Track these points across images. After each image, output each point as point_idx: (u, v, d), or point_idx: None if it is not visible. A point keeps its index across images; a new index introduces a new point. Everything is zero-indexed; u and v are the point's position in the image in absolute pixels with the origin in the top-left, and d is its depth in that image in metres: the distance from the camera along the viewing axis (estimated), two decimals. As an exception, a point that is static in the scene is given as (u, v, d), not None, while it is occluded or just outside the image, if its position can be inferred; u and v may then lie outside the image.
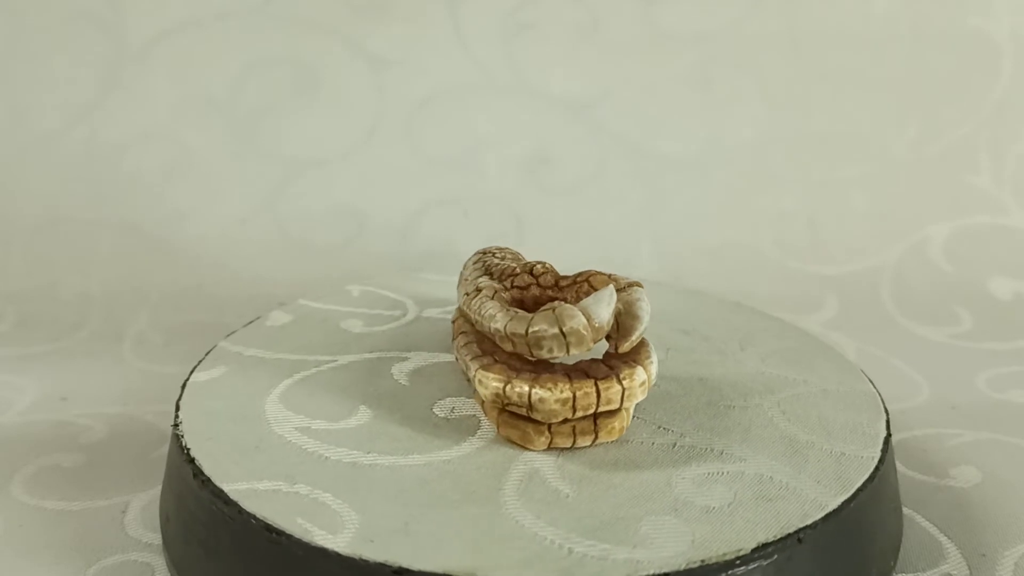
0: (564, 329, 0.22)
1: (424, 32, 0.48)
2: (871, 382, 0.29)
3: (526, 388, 0.23)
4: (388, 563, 0.19)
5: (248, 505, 0.21)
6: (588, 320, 0.23)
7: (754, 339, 0.31)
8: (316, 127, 0.48)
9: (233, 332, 0.30)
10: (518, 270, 0.27)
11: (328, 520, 0.20)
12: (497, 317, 0.24)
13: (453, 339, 0.27)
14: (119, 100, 0.47)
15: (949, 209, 0.48)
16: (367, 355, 0.28)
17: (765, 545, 0.20)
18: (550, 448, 0.23)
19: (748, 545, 0.20)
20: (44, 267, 0.45)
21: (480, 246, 0.46)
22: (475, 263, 0.29)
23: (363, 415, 0.25)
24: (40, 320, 0.42)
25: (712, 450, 0.24)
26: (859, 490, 0.22)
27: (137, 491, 0.28)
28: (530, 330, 0.23)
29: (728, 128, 0.49)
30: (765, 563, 0.20)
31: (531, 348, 0.23)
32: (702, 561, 0.19)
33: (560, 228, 0.48)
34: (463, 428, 0.24)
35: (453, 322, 0.27)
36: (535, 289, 0.27)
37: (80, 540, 0.26)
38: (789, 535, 0.21)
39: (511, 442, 0.24)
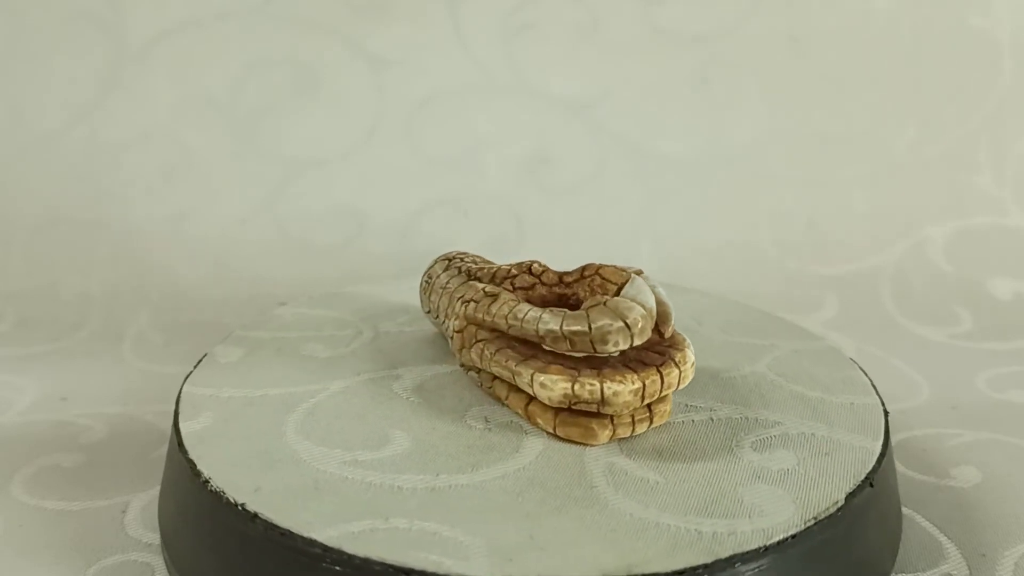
0: (628, 321, 0.23)
1: (424, 32, 0.48)
2: (823, 339, 0.31)
3: (597, 384, 0.23)
4: None
5: (356, 549, 0.20)
6: (644, 309, 0.23)
7: (706, 314, 0.33)
8: (316, 127, 0.48)
9: (190, 374, 0.28)
10: (514, 271, 0.27)
11: (451, 548, 0.20)
12: (545, 318, 0.24)
13: (462, 348, 0.26)
14: (119, 100, 0.47)
15: (949, 209, 0.48)
16: (356, 378, 0.27)
17: (852, 494, 0.22)
18: (611, 440, 0.24)
19: (840, 496, 0.22)
20: (44, 267, 0.45)
21: (480, 246, 0.47)
22: (446, 271, 0.29)
23: (401, 439, 0.24)
24: (40, 320, 0.42)
25: (746, 419, 0.25)
26: (886, 433, 0.25)
27: (137, 491, 0.28)
28: (594, 326, 0.23)
29: (728, 128, 0.49)
30: (855, 510, 0.22)
31: (595, 344, 0.23)
32: (815, 519, 0.21)
33: (560, 228, 0.48)
34: (510, 435, 0.24)
35: (457, 332, 0.26)
36: (541, 288, 0.27)
37: (80, 540, 0.26)
38: (863, 482, 0.23)
39: (570, 441, 0.24)
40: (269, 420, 0.25)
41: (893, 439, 0.31)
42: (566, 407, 0.23)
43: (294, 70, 0.48)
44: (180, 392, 0.27)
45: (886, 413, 0.26)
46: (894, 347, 0.40)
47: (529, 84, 0.49)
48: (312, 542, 0.20)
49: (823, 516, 0.21)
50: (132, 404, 0.34)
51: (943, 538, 0.26)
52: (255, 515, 0.21)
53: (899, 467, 0.30)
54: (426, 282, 0.30)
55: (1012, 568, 0.25)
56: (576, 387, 0.23)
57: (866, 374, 0.29)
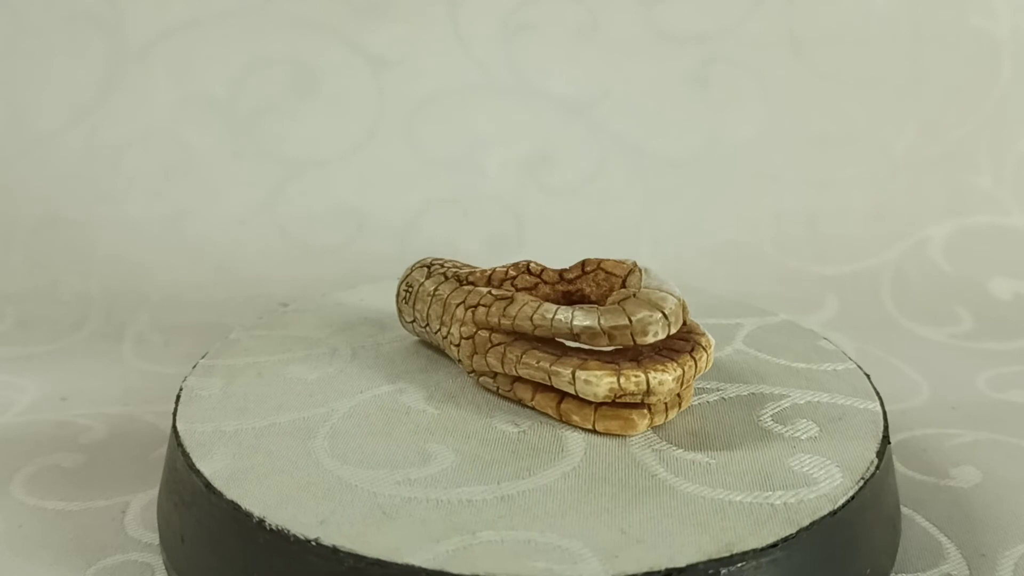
0: (665, 311, 0.23)
1: (424, 32, 0.48)
2: (776, 314, 0.33)
3: (642, 375, 0.23)
4: (654, 570, 0.19)
5: (459, 568, 0.19)
6: (675, 298, 0.24)
7: None
8: (316, 127, 0.48)
9: (176, 410, 0.26)
10: (512, 272, 0.27)
11: (555, 554, 0.20)
12: (578, 315, 0.24)
13: (473, 355, 0.26)
14: (119, 100, 0.47)
15: (949, 209, 0.48)
16: (360, 396, 0.26)
17: (880, 452, 0.24)
18: (647, 428, 0.24)
19: (871, 455, 0.23)
20: (44, 267, 0.45)
21: (480, 246, 0.47)
22: (428, 278, 0.28)
23: (442, 452, 0.23)
24: (40, 320, 0.42)
25: (753, 395, 0.26)
26: (877, 394, 0.27)
27: (137, 491, 0.28)
28: (634, 319, 0.23)
29: (728, 128, 0.49)
30: (883, 466, 0.24)
31: (635, 336, 0.23)
32: (862, 478, 0.23)
33: (560, 228, 0.48)
34: (545, 435, 0.24)
35: (466, 338, 0.26)
36: (544, 287, 0.27)
37: (80, 540, 0.26)
38: (883, 440, 0.24)
39: (609, 433, 0.24)
40: (293, 449, 0.24)
41: (893, 439, 0.31)
42: (609, 401, 0.23)
43: (294, 70, 0.48)
44: (177, 432, 0.25)
45: (867, 376, 0.28)
46: (894, 347, 0.40)
47: (529, 84, 0.49)
48: (410, 568, 0.19)
49: (869, 475, 0.23)
50: (132, 404, 0.34)
51: (943, 538, 0.26)
52: (335, 549, 0.20)
53: (899, 467, 0.30)
54: (405, 291, 0.29)
55: (1012, 568, 0.25)
56: (622, 380, 0.23)
57: (830, 341, 0.30)
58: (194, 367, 0.28)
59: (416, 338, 0.30)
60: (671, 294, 0.24)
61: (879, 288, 0.45)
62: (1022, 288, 0.45)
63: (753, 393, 0.27)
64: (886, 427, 0.25)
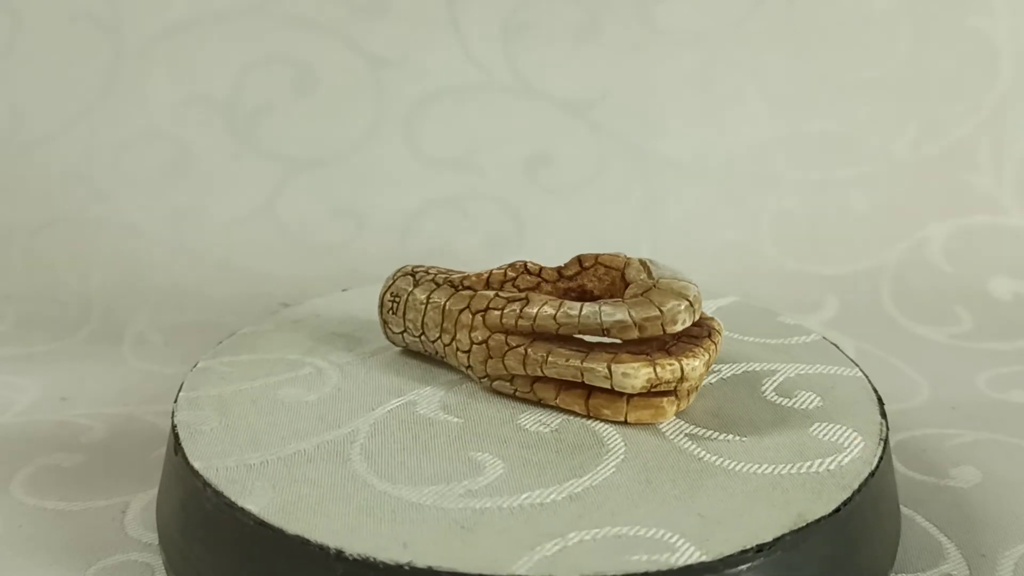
0: (691, 299, 0.24)
1: (424, 32, 0.48)
2: (728, 295, 0.34)
3: (676, 363, 0.24)
4: (747, 548, 0.20)
5: (567, 572, 0.19)
6: (695, 286, 0.25)
7: None
8: (316, 127, 0.48)
9: (182, 449, 0.24)
10: (511, 273, 0.27)
11: (651, 545, 0.20)
12: (606, 310, 0.24)
13: (487, 359, 0.25)
14: (119, 100, 0.47)
15: (949, 209, 0.48)
16: (374, 413, 0.25)
17: (883, 414, 0.25)
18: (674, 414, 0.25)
19: (878, 418, 0.25)
20: (44, 267, 0.45)
21: (480, 246, 0.47)
22: (417, 286, 0.27)
23: (490, 460, 0.23)
24: (40, 320, 0.42)
25: (747, 372, 0.27)
26: (852, 360, 0.28)
27: (137, 491, 0.28)
28: (664, 309, 0.24)
29: (728, 128, 0.49)
30: (888, 425, 0.25)
31: (665, 326, 0.24)
32: (882, 439, 0.24)
33: (560, 228, 0.48)
34: (579, 432, 0.24)
35: (478, 344, 0.26)
36: (546, 286, 0.27)
37: (80, 540, 0.26)
38: (880, 405, 0.26)
39: (640, 423, 0.24)
40: (335, 475, 0.23)
41: (892, 440, 0.31)
42: (645, 392, 0.24)
43: (294, 70, 0.48)
44: (196, 471, 0.23)
45: (834, 344, 0.29)
46: (894, 347, 0.40)
47: (529, 84, 0.49)
48: None
49: (884, 436, 0.24)
50: (132, 404, 0.34)
51: (943, 538, 0.26)
52: (431, 570, 0.19)
53: (899, 467, 0.30)
54: (391, 301, 0.28)
55: (1012, 568, 0.25)
56: (658, 370, 0.23)
57: (786, 315, 0.32)
58: (176, 401, 0.26)
59: (398, 349, 0.29)
60: (690, 282, 0.25)
61: (879, 288, 0.45)
62: (1022, 288, 0.45)
63: (746, 371, 0.27)
64: (875, 388, 0.26)
